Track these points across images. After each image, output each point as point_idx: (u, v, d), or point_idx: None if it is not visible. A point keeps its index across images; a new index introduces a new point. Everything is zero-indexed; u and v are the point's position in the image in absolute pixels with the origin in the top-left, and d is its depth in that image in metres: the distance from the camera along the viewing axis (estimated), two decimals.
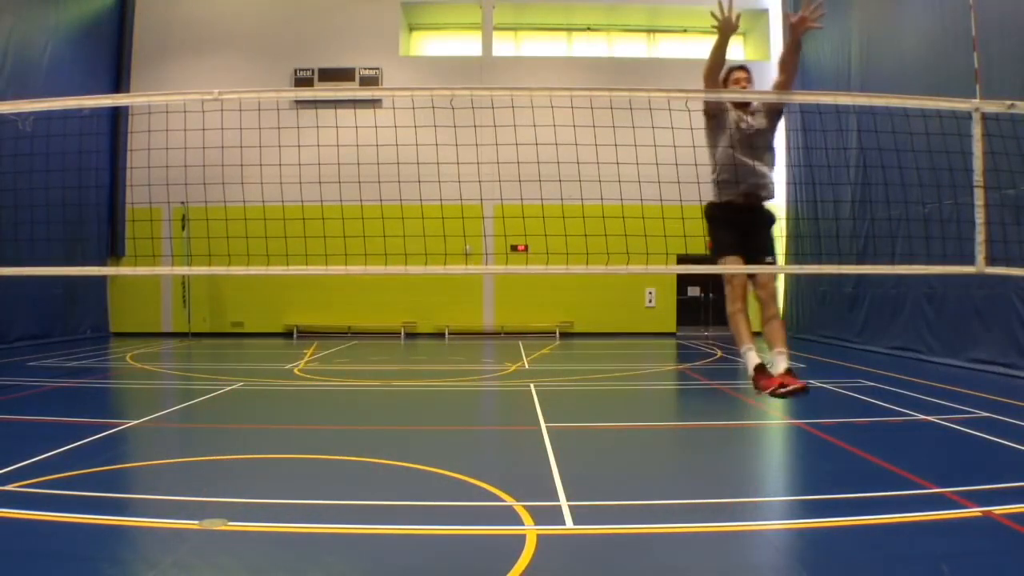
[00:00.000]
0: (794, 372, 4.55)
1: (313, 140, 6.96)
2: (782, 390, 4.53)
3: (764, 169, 4.86)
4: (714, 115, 4.89)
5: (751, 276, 4.85)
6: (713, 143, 4.96)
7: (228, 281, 21.47)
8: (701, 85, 4.82)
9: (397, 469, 6.29)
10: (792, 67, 4.73)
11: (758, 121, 4.87)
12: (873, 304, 16.60)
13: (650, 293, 22.41)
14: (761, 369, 4.73)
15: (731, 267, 4.72)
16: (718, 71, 4.74)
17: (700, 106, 4.81)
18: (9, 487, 5.45)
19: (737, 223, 4.82)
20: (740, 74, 4.96)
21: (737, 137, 4.81)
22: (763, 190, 4.85)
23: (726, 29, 4.48)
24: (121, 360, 15.43)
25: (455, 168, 6.62)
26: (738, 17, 4.47)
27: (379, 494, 5.54)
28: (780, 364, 4.59)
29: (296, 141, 7.30)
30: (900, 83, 14.46)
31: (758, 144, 4.82)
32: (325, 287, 21.26)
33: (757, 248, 4.84)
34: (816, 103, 4.93)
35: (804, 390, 4.52)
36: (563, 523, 4.81)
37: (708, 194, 4.97)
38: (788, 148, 18.78)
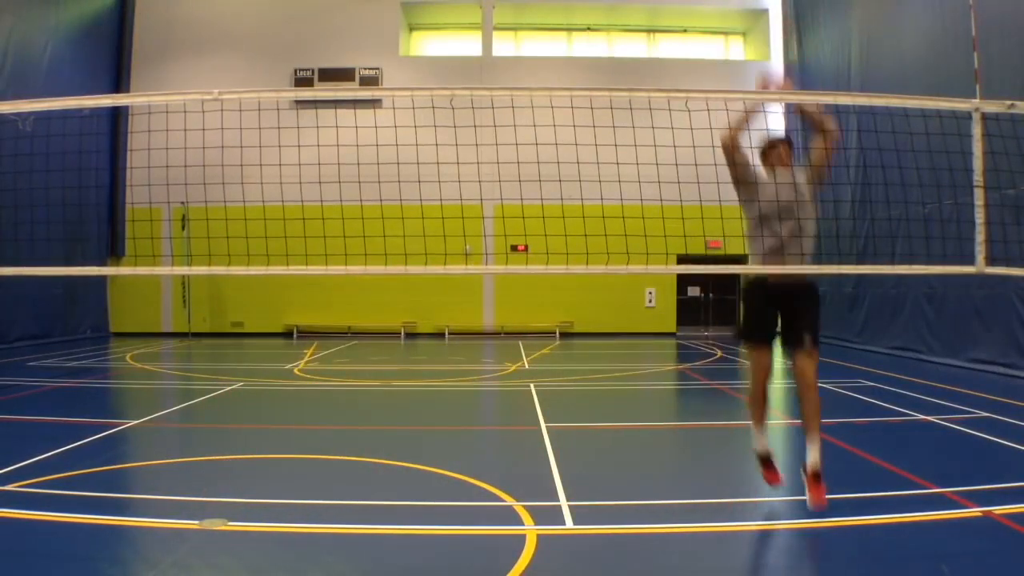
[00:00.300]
0: (821, 475, 4.55)
1: (313, 140, 6.97)
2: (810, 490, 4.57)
3: (803, 240, 4.42)
4: (742, 182, 4.51)
5: (790, 357, 4.60)
6: (747, 203, 4.53)
7: (228, 281, 21.47)
8: (700, 85, 4.82)
9: (397, 469, 6.28)
10: (815, 122, 4.59)
11: (798, 179, 4.47)
12: (873, 304, 16.60)
13: (650, 293, 22.41)
14: (767, 462, 4.90)
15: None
16: (743, 130, 4.57)
17: (701, 106, 4.69)
18: (9, 487, 5.44)
19: (773, 305, 4.47)
20: (781, 148, 4.61)
21: (772, 202, 4.35)
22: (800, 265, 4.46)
23: (767, 86, 4.63)
24: (121, 360, 15.42)
25: (455, 168, 6.62)
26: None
27: (379, 494, 5.54)
28: (810, 456, 4.56)
29: (296, 141, 7.31)
30: (900, 83, 14.45)
31: (795, 210, 4.37)
32: (325, 287, 21.26)
33: (793, 332, 4.47)
34: (816, 103, 4.93)
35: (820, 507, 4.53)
36: (563, 523, 4.80)
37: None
38: None
